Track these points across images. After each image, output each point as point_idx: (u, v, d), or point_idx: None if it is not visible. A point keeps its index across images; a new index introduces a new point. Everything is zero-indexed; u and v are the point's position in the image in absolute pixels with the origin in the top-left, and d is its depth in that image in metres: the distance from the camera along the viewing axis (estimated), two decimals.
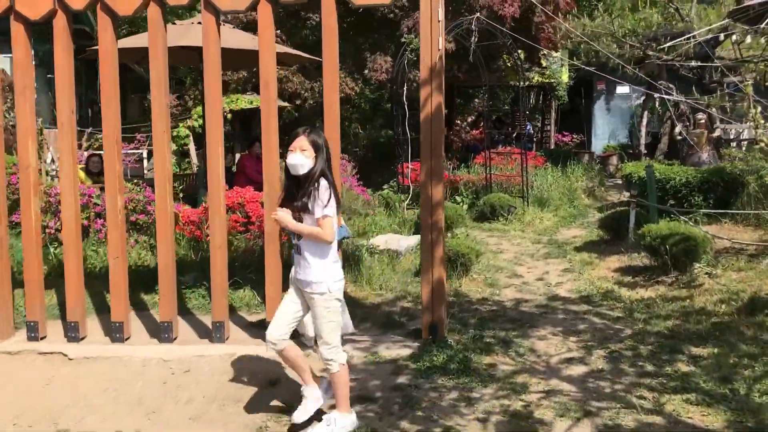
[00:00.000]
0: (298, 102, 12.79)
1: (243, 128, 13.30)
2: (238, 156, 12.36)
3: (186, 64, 13.26)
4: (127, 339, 5.41)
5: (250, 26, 12.37)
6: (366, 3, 5.84)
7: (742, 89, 9.06)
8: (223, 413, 4.23)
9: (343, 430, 3.80)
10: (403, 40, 9.89)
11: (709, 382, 4.35)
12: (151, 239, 7.69)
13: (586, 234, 9.64)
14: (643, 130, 14.74)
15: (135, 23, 16.99)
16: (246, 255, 7.22)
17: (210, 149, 5.19)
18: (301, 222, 3.74)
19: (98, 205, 7.69)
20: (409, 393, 4.35)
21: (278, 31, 12.47)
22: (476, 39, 9.89)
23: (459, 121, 14.55)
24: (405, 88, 10.14)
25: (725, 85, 11.48)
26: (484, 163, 12.10)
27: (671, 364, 4.69)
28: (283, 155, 4.01)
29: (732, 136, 11.56)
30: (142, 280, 6.79)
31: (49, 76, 13.09)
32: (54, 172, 10.34)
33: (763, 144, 6.99)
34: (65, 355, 5.15)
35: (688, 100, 10.87)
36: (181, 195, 8.81)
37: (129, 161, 12.08)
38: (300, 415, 3.91)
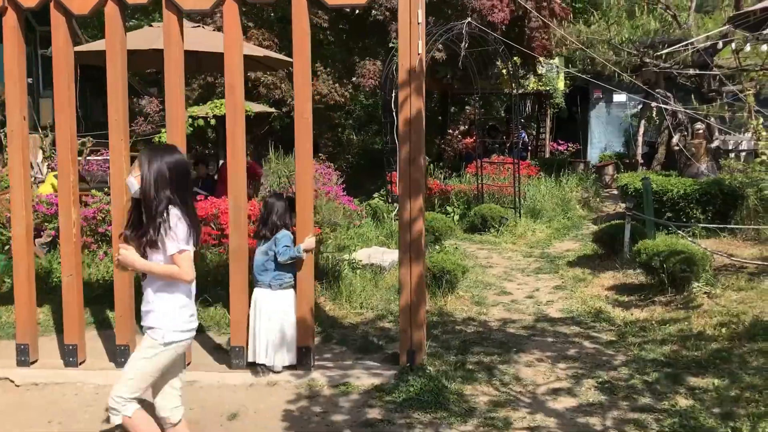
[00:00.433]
0: (284, 109, 12.41)
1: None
2: (222, 163, 11.97)
3: (147, 68, 12.85)
4: (81, 363, 5.01)
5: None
6: (339, 3, 5.47)
7: (742, 99, 8.73)
8: None
9: None
10: (391, 45, 9.54)
11: (709, 418, 3.97)
12: None
13: (580, 247, 9.27)
14: (640, 139, 14.39)
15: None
16: (219, 270, 6.83)
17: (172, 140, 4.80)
18: (146, 258, 3.18)
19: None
20: (380, 429, 3.96)
21: (268, 34, 12.14)
22: (467, 45, 9.53)
23: (451, 130, 14.17)
24: (394, 94, 9.78)
25: (724, 95, 11.15)
26: (476, 172, 11.74)
27: (668, 397, 4.30)
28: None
29: (731, 147, 11.22)
30: (110, 295, 6.39)
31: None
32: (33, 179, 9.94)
33: (765, 157, 6.65)
34: (12, 381, 4.75)
35: (685, 109, 10.54)
36: None
37: (105, 167, 11.67)
38: None
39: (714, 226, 8.13)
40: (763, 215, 8.56)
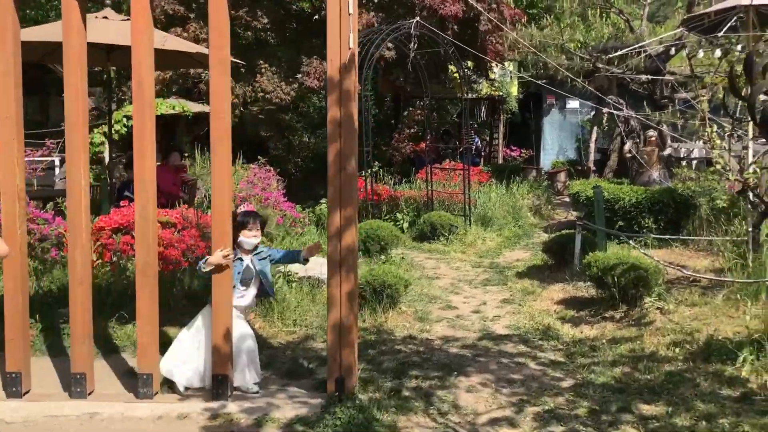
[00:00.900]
0: (236, 111, 11.82)
1: (165, 136, 12.29)
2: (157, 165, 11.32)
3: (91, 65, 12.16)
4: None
5: (176, 22, 11.43)
6: None
7: (695, 106, 8.53)
8: None
9: None
10: None
11: None
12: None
13: (530, 257, 8.94)
14: (593, 146, 14.22)
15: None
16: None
17: (71, 158, 4.26)
18: None
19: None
20: None
21: (207, 28, 11.55)
22: (416, 45, 9.13)
23: (397, 135, 13.75)
24: None
25: (676, 101, 11.00)
26: (426, 178, 11.35)
27: (617, 428, 3.93)
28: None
29: (683, 155, 11.08)
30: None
31: None
32: None
33: (719, 166, 6.38)
34: None
35: (637, 116, 10.34)
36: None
37: (37, 169, 10.94)
38: None
39: (667, 237, 7.87)
40: (715, 225, 8.34)
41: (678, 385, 4.52)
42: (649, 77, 11.16)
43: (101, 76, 12.47)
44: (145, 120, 4.24)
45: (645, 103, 11.30)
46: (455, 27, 11.84)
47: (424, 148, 13.41)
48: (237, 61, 8.83)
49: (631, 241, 7.70)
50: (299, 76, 11.59)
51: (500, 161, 17.55)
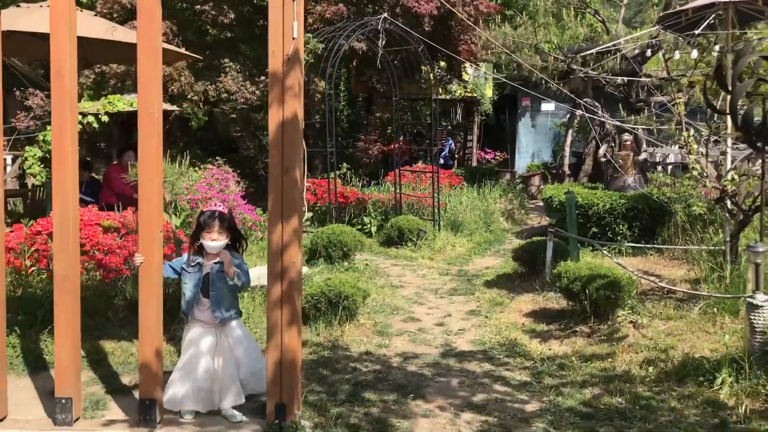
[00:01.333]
0: (185, 105, 11.33)
1: (124, 134, 11.76)
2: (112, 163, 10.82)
3: (35, 58, 11.61)
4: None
5: (134, 16, 10.92)
6: None
7: (671, 109, 8.23)
8: None
9: None
10: None
11: None
12: None
13: (501, 264, 8.59)
14: (567, 149, 13.94)
15: None
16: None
17: None
18: None
19: None
20: None
21: (166, 22, 11.08)
22: (384, 42, 8.73)
23: (364, 135, 13.33)
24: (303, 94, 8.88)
25: (652, 105, 10.73)
26: (395, 181, 10.96)
27: None
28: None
29: (658, 159, 10.80)
30: None
31: None
32: None
33: (696, 172, 6.07)
34: None
35: (612, 120, 10.05)
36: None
37: None
38: None
39: (641, 246, 7.55)
40: (691, 233, 8.06)
41: (651, 409, 4.17)
42: (625, 79, 10.88)
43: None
44: (65, 117, 3.79)
45: (620, 106, 11.03)
46: (429, 24, 11.48)
47: (390, 150, 13.03)
48: (192, 55, 8.36)
49: (604, 251, 7.38)
50: (264, 77, 11.16)
51: (474, 164, 17.22)
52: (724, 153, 6.36)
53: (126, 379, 4.72)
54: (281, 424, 3.82)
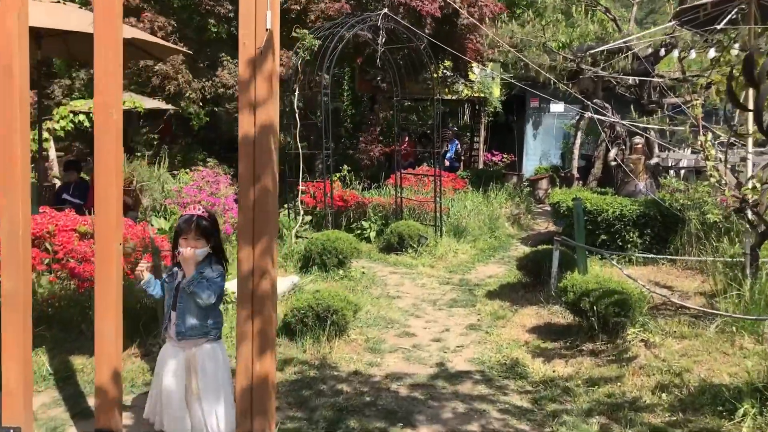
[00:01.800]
0: (183, 103, 10.97)
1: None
2: None
3: (55, 55, 11.32)
4: None
5: (129, 12, 10.59)
6: None
7: (686, 111, 7.79)
8: None
9: None
10: (294, 34, 8.28)
11: None
12: None
13: (504, 273, 8.18)
14: (576, 152, 13.49)
15: None
16: (47, 303, 5.43)
17: None
18: None
19: None
20: None
21: (163, 18, 10.74)
22: (384, 39, 8.35)
23: (364, 136, 12.93)
24: (297, 92, 8.51)
25: (665, 106, 10.27)
26: (396, 184, 10.56)
27: None
28: None
29: (671, 164, 10.35)
30: None
31: None
32: None
33: (713, 179, 5.64)
34: None
35: (623, 122, 9.61)
36: None
37: None
38: None
39: (652, 256, 7.12)
40: (705, 242, 7.62)
41: None
42: (637, 80, 10.42)
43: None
44: (14, 115, 3.43)
45: (632, 107, 10.59)
46: (431, 26, 11.08)
47: (394, 151, 12.63)
48: (181, 49, 8.00)
49: (613, 261, 6.96)
50: None
51: (481, 166, 16.79)
52: (744, 159, 5.92)
53: (93, 401, 4.34)
54: None
